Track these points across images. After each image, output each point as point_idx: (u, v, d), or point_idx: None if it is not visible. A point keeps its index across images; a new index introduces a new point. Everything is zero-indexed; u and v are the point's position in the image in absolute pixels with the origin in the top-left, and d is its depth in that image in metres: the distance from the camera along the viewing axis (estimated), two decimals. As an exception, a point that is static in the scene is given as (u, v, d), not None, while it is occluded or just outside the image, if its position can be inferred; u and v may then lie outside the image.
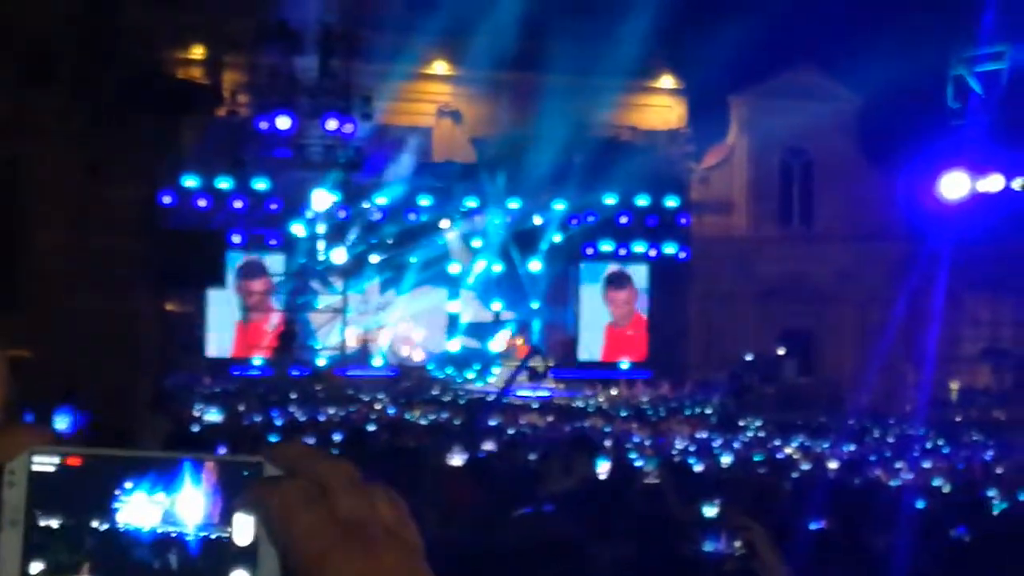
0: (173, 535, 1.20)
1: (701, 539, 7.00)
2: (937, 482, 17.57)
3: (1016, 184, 39.66)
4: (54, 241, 15.54)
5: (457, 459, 12.65)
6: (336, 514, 1.17)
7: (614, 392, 43.96)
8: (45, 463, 1.22)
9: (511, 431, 22.83)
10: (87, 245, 15.89)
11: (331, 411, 26.72)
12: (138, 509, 1.20)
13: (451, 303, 48.44)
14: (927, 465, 22.21)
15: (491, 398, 32.46)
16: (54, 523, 1.21)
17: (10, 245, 15.33)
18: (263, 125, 40.83)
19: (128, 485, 1.21)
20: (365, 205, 44.76)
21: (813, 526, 8.73)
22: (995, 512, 12.42)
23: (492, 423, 23.47)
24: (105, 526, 1.21)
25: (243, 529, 1.21)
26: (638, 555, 6.98)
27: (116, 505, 1.21)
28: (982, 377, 44.03)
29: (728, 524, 6.44)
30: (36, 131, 15.30)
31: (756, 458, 20.50)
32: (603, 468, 12.92)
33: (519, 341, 48.22)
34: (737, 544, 6.02)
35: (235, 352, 44.05)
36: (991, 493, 14.73)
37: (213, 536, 1.20)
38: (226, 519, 1.21)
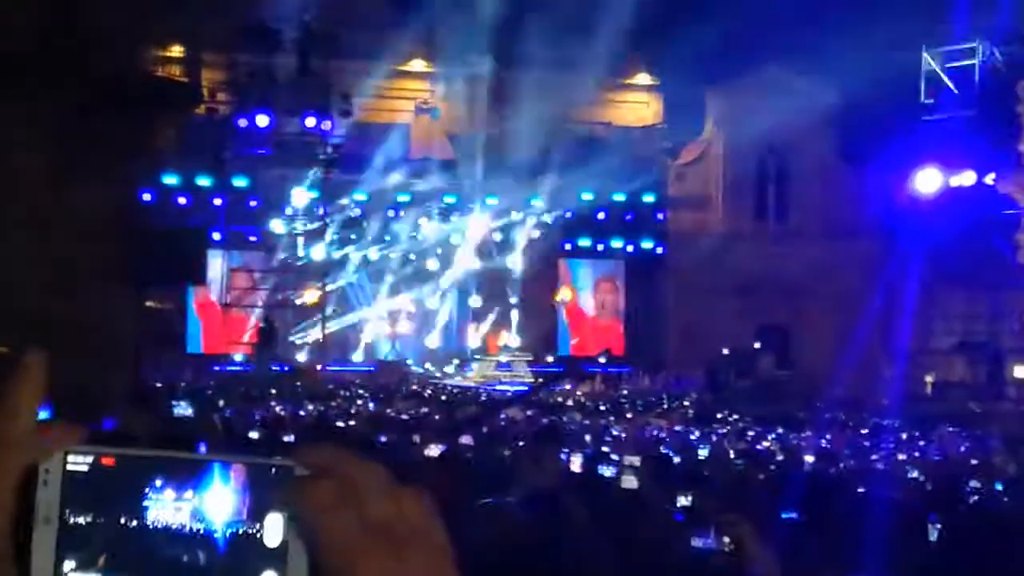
0: (202, 533, 1.23)
1: (689, 535, 7.15)
2: (913, 474, 17.73)
3: (989, 179, 40.00)
4: (26, 245, 15.58)
5: (434, 449, 12.84)
6: (366, 515, 1.19)
7: (592, 387, 44.17)
8: (79, 463, 1.25)
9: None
10: (62, 247, 15.93)
11: (311, 407, 26.82)
12: (167, 507, 1.23)
13: (430, 299, 48.59)
14: (902, 457, 22.38)
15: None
16: (86, 521, 1.24)
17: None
18: (242, 123, 40.98)
19: (158, 484, 1.24)
20: (344, 202, 44.90)
21: (788, 516, 8.91)
22: (970, 503, 12.58)
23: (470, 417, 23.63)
24: (135, 524, 1.24)
25: (273, 529, 1.23)
26: (625, 551, 7.11)
27: (146, 503, 1.24)
28: (957, 370, 44.25)
29: (716, 520, 6.55)
30: (5, 137, 15.33)
31: (733, 451, 20.67)
32: (576, 462, 13.11)
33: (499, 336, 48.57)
34: (726, 540, 6.14)
35: (214, 347, 44.14)
36: (966, 485, 14.88)
37: (241, 534, 1.23)
38: (255, 518, 1.24)
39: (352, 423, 20.47)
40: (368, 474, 1.21)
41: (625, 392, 41.71)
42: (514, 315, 49.48)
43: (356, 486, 1.20)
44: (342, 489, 1.19)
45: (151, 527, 1.24)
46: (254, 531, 1.23)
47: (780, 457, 19.85)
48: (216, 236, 40.31)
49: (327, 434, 15.83)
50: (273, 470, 1.25)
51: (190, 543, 1.23)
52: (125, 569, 1.24)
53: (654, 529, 7.43)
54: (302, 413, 24.17)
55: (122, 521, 1.24)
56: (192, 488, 1.23)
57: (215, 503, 1.23)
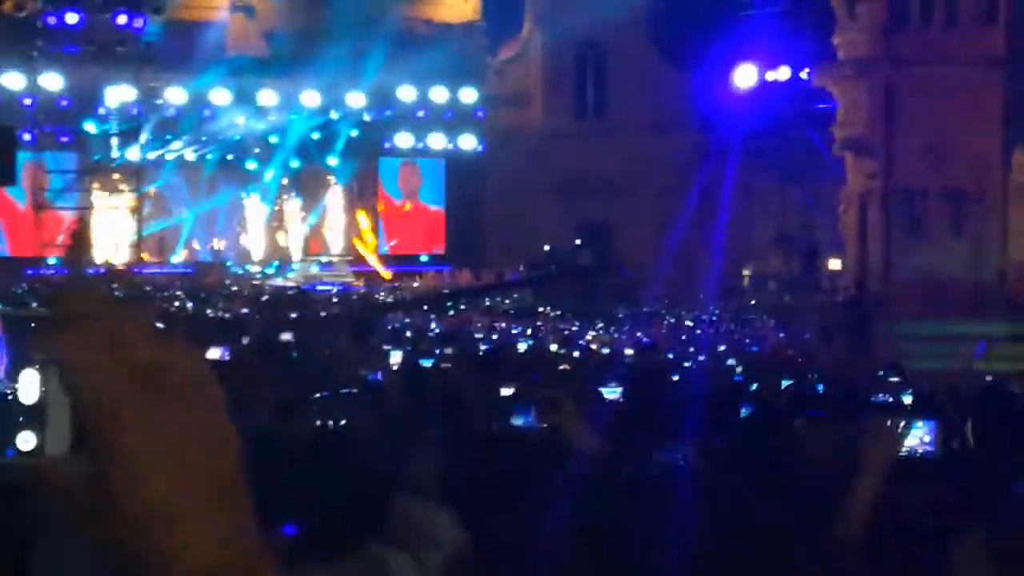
0: None
1: (510, 414, 7.13)
2: (730, 362, 18.06)
3: (804, 74, 40.56)
4: None
5: (214, 352, 12.14)
6: (131, 361, 1.10)
7: (415, 284, 44.29)
8: None
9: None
10: None
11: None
12: None
13: (248, 199, 48.17)
14: (721, 348, 22.79)
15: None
16: None
17: None
18: (51, 20, 39.92)
19: None
20: (159, 101, 44.04)
21: (609, 395, 8.99)
22: (783, 389, 12.81)
23: (293, 315, 23.57)
24: None
25: (30, 385, 1.14)
26: (444, 435, 7.11)
27: None
28: (773, 264, 45.00)
29: (538, 398, 6.52)
30: None
31: (555, 345, 20.87)
32: (396, 357, 13.10)
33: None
34: (545, 416, 6.10)
35: (25, 250, 43.28)
36: (780, 372, 15.16)
37: None
38: (12, 376, 1.17)
39: (171, 324, 20.25)
40: (134, 320, 1.12)
41: (447, 290, 41.79)
42: (334, 215, 49.30)
43: (119, 331, 1.10)
44: (104, 334, 1.10)
45: None
46: (10, 390, 1.15)
47: (604, 351, 20.10)
48: (27, 137, 39.34)
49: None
50: (31, 322, 1.16)
51: None
52: None
53: (473, 409, 7.43)
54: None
55: None
56: None
57: None
